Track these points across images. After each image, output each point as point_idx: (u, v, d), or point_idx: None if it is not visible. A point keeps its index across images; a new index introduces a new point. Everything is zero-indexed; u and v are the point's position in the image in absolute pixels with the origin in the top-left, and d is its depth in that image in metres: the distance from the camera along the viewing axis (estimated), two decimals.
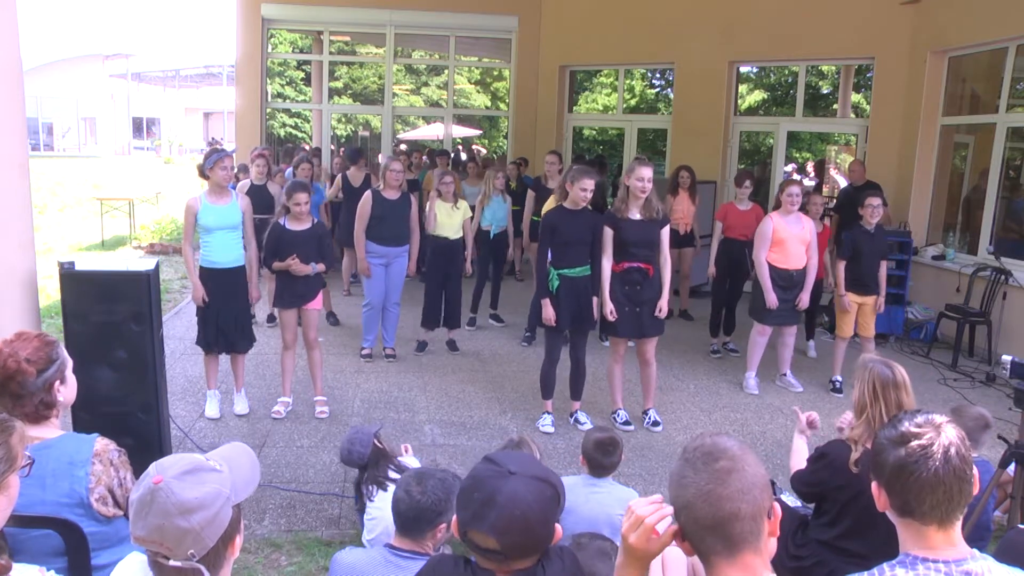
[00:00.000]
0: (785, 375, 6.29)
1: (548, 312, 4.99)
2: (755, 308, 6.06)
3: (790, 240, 5.92)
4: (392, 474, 3.40)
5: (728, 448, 1.38)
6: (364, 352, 6.58)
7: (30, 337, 2.25)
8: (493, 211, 7.76)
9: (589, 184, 4.93)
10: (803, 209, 6.25)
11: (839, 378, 6.21)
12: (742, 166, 10.97)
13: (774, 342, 6.28)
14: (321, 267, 5.18)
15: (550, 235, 5.01)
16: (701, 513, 1.34)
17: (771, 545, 1.38)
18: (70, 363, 2.33)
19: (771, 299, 5.90)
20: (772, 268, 5.95)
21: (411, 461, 3.69)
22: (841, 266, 6.03)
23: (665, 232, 5.10)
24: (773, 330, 6.17)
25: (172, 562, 1.38)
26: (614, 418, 5.34)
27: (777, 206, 6.04)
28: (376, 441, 3.57)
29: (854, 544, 2.76)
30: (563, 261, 5.03)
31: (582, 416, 5.32)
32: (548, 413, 5.28)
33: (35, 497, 2.03)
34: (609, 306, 5.02)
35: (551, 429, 5.18)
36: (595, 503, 3.11)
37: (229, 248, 4.96)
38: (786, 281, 5.96)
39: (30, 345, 2.21)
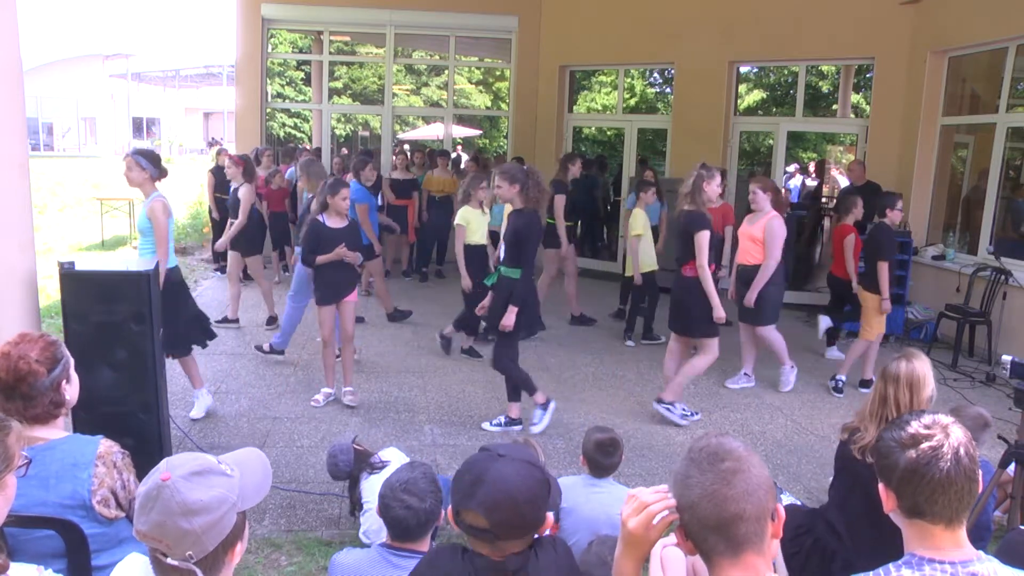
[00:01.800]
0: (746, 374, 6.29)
1: (508, 319, 4.87)
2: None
3: (742, 237, 6.12)
4: (372, 470, 3.54)
5: (733, 449, 1.38)
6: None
7: (34, 338, 2.26)
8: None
9: (496, 181, 4.96)
10: (844, 212, 6.58)
11: (843, 378, 6.20)
12: (742, 166, 10.97)
13: (737, 340, 6.35)
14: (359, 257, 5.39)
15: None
16: (705, 513, 1.34)
17: (774, 547, 1.38)
18: (72, 361, 2.33)
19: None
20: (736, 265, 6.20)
21: (390, 454, 3.71)
22: (885, 267, 5.97)
23: None
24: (740, 327, 6.28)
25: (169, 560, 1.38)
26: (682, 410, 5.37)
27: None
28: (355, 445, 3.65)
29: (832, 517, 2.81)
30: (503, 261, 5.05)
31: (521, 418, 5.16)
32: (539, 406, 5.12)
33: (37, 498, 2.03)
34: (722, 312, 5.10)
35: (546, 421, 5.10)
36: (596, 503, 3.11)
37: (141, 250, 4.85)
38: (740, 277, 6.11)
39: (36, 346, 2.21)
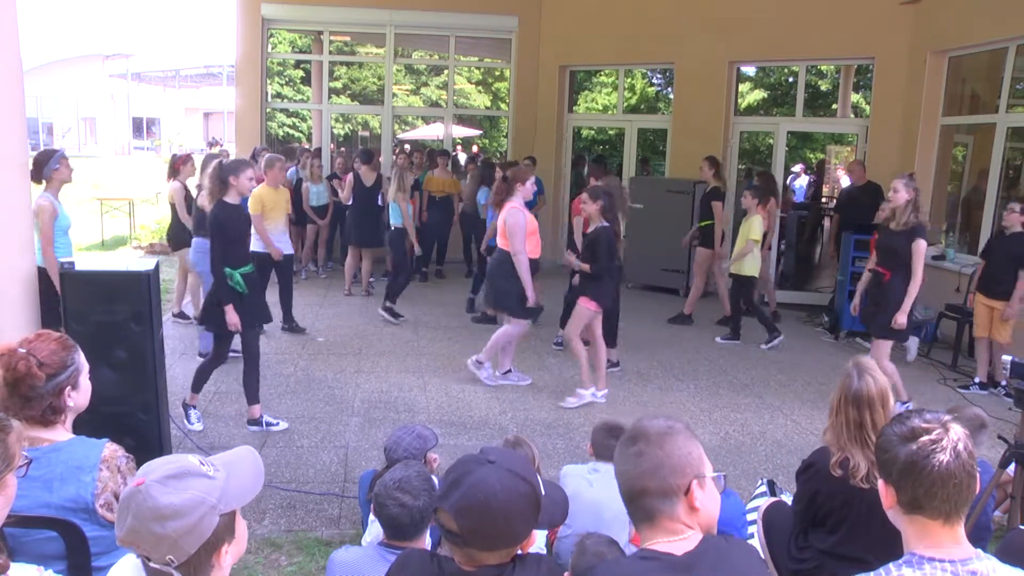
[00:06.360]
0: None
1: (232, 317, 4.70)
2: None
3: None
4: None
5: (648, 432, 1.58)
6: None
7: (49, 339, 2.21)
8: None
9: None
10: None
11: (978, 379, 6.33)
12: (742, 166, 10.96)
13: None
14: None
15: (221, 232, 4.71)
16: (621, 486, 1.61)
17: (705, 512, 1.57)
18: (86, 368, 2.28)
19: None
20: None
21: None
22: None
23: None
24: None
25: (152, 564, 1.37)
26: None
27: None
28: (430, 456, 3.23)
29: (852, 549, 2.75)
30: (235, 260, 4.80)
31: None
32: (191, 407, 5.04)
33: (41, 500, 2.02)
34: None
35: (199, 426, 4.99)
36: (599, 487, 3.14)
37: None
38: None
39: (47, 348, 2.17)
